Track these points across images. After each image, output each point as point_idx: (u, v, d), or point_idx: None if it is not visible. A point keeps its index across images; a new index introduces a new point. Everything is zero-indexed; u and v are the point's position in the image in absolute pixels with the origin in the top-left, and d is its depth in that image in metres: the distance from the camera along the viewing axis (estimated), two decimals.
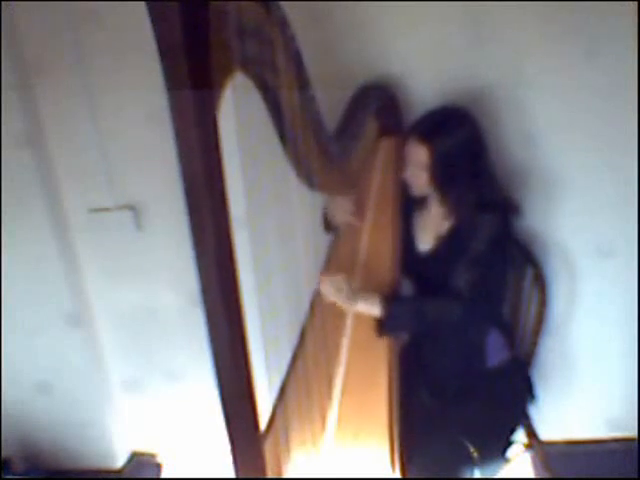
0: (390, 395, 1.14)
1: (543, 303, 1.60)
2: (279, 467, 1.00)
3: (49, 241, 1.83)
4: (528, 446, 1.59)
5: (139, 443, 2.19)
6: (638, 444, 1.91)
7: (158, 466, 2.17)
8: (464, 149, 1.33)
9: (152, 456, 2.19)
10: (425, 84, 1.62)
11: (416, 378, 1.47)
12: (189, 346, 1.94)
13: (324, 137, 1.12)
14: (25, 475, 2.06)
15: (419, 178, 1.38)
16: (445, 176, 1.35)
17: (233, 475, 0.80)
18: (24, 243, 1.84)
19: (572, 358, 1.90)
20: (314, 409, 1.11)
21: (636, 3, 1.47)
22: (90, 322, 2.00)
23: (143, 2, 0.58)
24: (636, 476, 1.77)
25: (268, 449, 1.01)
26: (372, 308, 1.29)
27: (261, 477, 0.82)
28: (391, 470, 1.00)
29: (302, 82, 0.98)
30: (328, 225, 1.62)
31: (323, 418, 1.11)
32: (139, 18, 0.62)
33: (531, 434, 1.59)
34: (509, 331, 1.55)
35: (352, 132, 1.35)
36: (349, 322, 1.33)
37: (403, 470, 1.04)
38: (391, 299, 1.29)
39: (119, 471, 2.12)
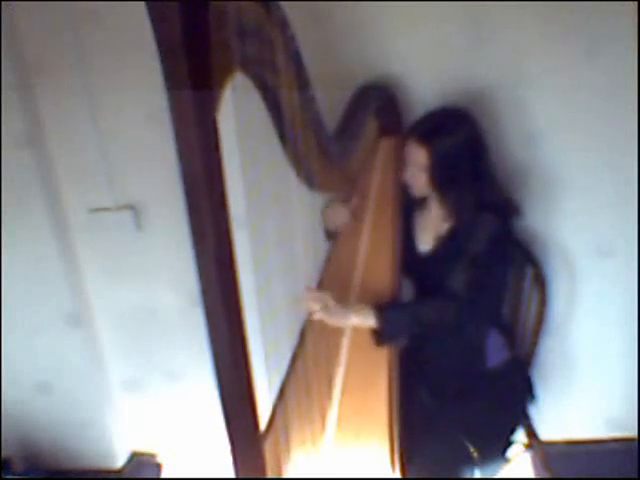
0: (390, 395, 1.14)
1: (543, 303, 1.61)
2: (279, 467, 0.99)
3: (49, 241, 1.83)
4: (528, 446, 1.59)
5: (139, 443, 2.19)
6: (638, 444, 1.91)
7: (158, 466, 2.17)
8: (464, 150, 1.33)
9: (152, 456, 2.19)
10: (425, 84, 1.62)
11: (416, 378, 1.47)
12: (189, 346, 1.94)
13: (324, 137, 1.12)
14: (25, 475, 2.06)
15: (419, 179, 1.38)
16: (445, 177, 1.35)
17: (233, 475, 0.80)
18: (24, 243, 1.84)
19: (572, 358, 1.90)
20: (314, 409, 1.11)
21: (636, 3, 1.47)
22: (90, 322, 2.00)
23: (143, 2, 0.58)
24: (636, 476, 1.77)
25: (268, 449, 1.01)
26: (366, 320, 1.26)
27: (261, 477, 0.82)
28: (391, 470, 1.00)
29: (302, 82, 0.98)
30: (328, 233, 1.62)
31: (323, 418, 1.11)
32: (139, 18, 0.62)
33: (531, 434, 1.59)
34: (509, 331, 1.55)
35: (352, 132, 1.35)
36: None
37: (403, 470, 1.04)
38: (384, 308, 1.27)
39: (119, 471, 2.13)
